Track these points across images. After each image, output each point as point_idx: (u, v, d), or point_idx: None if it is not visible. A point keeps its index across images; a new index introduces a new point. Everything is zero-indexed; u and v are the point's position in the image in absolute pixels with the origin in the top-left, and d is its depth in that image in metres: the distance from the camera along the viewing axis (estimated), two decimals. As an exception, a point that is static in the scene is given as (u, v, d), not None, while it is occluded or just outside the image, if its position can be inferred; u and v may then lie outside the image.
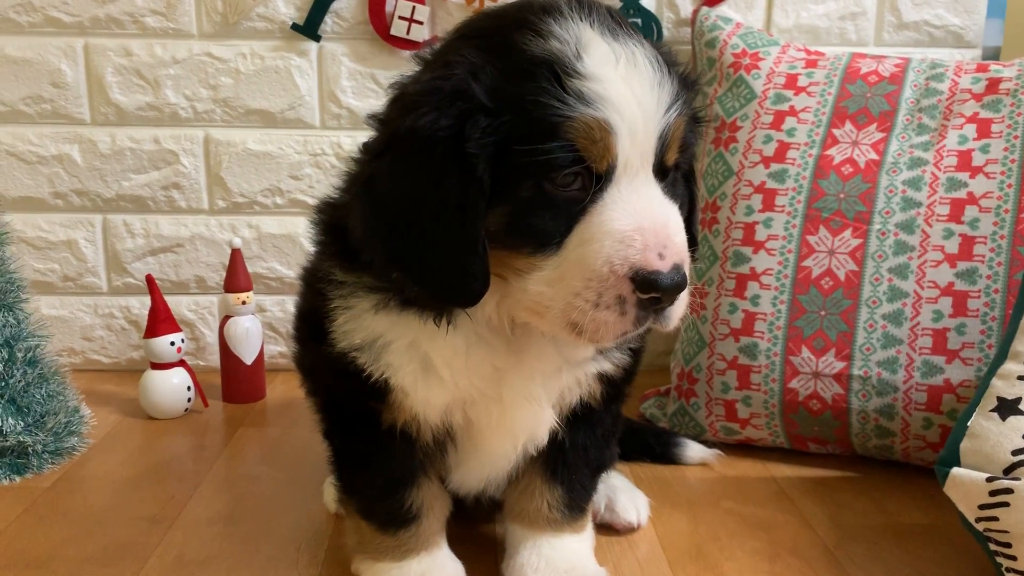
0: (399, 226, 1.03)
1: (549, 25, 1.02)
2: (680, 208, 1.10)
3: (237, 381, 2.20)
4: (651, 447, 1.84)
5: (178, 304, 2.37)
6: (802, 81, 1.98)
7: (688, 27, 2.24)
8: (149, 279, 2.11)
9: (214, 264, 2.35)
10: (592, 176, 1.01)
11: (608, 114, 0.99)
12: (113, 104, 2.25)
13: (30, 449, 1.77)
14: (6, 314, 1.78)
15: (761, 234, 1.86)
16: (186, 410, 2.13)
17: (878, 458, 1.81)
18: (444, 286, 1.04)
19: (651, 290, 1.00)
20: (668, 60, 1.07)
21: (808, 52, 2.08)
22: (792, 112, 1.94)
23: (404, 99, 1.06)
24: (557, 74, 0.99)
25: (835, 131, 1.90)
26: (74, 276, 2.35)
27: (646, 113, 1.01)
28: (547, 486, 1.33)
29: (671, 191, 1.10)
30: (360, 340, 1.16)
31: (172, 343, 2.09)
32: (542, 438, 1.27)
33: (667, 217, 1.04)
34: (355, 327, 1.17)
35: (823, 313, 1.77)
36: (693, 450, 1.84)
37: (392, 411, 1.21)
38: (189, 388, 2.12)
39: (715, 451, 1.85)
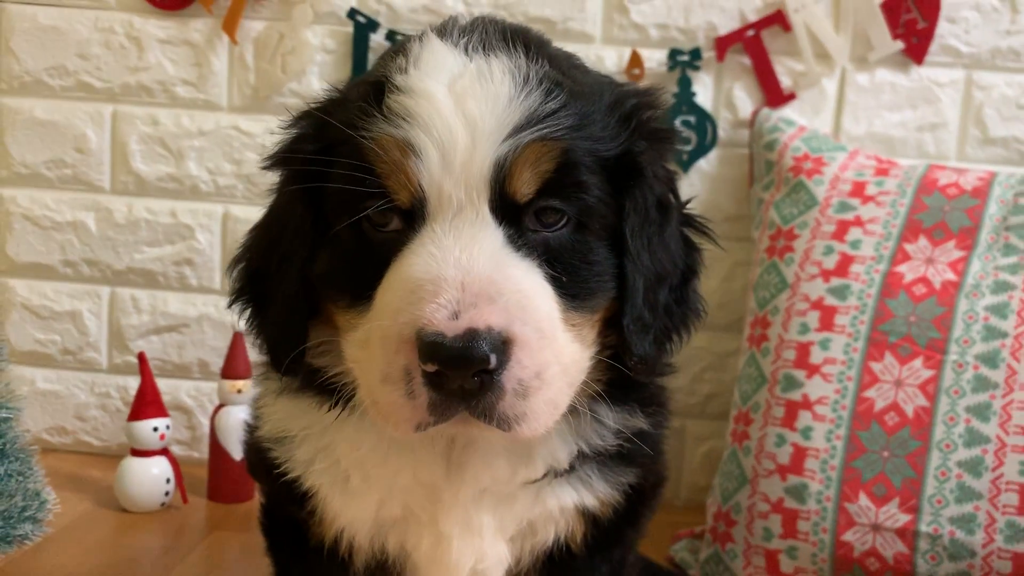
0: (250, 255, 0.99)
1: (411, 43, 0.91)
2: (582, 280, 0.88)
3: (223, 478, 1.99)
4: (673, 598, 1.61)
5: (177, 388, 2.21)
6: (871, 190, 1.77)
7: (747, 128, 2.06)
8: (141, 357, 1.96)
9: (220, 348, 2.18)
10: (404, 213, 0.86)
11: (409, 132, 0.82)
12: (134, 172, 2.17)
13: (-28, 533, 1.59)
14: (-29, 380, 1.64)
15: (817, 356, 1.64)
16: (163, 504, 1.93)
17: (951, 637, 1.54)
18: (269, 344, 0.95)
19: (428, 359, 0.78)
20: (559, 81, 0.87)
21: (880, 160, 1.88)
22: (858, 222, 1.73)
23: None
24: (380, 91, 0.86)
25: (907, 246, 1.67)
26: (74, 350, 2.23)
27: (474, 132, 0.82)
28: None
29: (533, 242, 0.86)
30: (268, 430, 1.00)
31: (155, 428, 1.91)
32: None
33: (491, 269, 0.81)
34: (266, 413, 1.01)
35: (886, 454, 1.54)
36: (724, 606, 1.59)
37: (316, 523, 1.01)
38: (169, 480, 1.92)
39: (750, 610, 1.59)
